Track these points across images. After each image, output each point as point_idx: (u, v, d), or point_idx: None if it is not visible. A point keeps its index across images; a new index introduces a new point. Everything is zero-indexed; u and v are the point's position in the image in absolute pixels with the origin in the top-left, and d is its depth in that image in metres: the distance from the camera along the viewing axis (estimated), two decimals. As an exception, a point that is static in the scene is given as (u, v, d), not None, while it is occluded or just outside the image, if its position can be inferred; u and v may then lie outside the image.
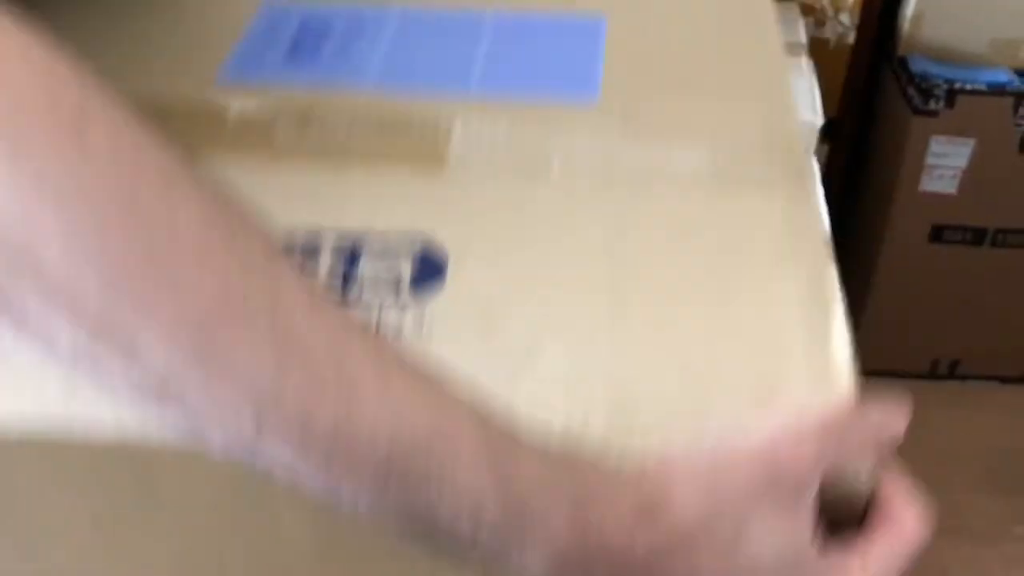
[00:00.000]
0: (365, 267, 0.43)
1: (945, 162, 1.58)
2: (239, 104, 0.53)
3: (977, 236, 1.64)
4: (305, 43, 0.59)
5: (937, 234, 1.65)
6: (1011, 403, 1.77)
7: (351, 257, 0.44)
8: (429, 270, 0.43)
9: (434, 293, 0.42)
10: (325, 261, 0.43)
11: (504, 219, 0.47)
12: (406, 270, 0.43)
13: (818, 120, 1.04)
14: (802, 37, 0.84)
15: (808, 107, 0.72)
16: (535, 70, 0.56)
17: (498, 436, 0.32)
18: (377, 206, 0.47)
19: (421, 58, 0.56)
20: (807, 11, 1.44)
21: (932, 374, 1.79)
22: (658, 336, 0.41)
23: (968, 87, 1.52)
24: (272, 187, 0.46)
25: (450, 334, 0.41)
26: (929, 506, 0.42)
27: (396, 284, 0.43)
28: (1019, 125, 1.54)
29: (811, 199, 0.47)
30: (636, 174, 0.49)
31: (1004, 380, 1.81)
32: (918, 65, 1.56)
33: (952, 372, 1.79)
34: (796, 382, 0.39)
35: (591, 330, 0.41)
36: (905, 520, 0.39)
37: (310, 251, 0.44)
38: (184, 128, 0.50)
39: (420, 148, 0.51)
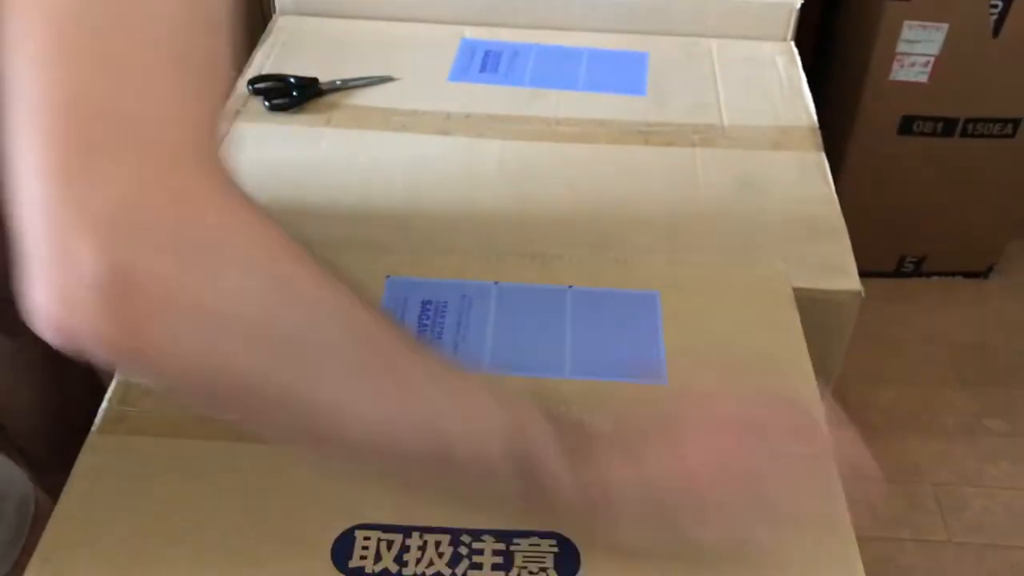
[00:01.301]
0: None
1: (917, 49, 1.50)
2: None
3: (948, 126, 1.57)
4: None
5: (906, 125, 1.58)
6: (976, 298, 1.75)
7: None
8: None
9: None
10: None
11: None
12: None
13: (796, 1, 0.98)
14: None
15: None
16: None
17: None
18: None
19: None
20: None
21: (898, 271, 1.75)
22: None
23: (943, -32, 1.43)
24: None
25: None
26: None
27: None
28: (994, 8, 1.45)
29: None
30: None
31: (968, 275, 1.78)
32: (891, -56, 1.46)
33: (918, 269, 1.75)
34: None
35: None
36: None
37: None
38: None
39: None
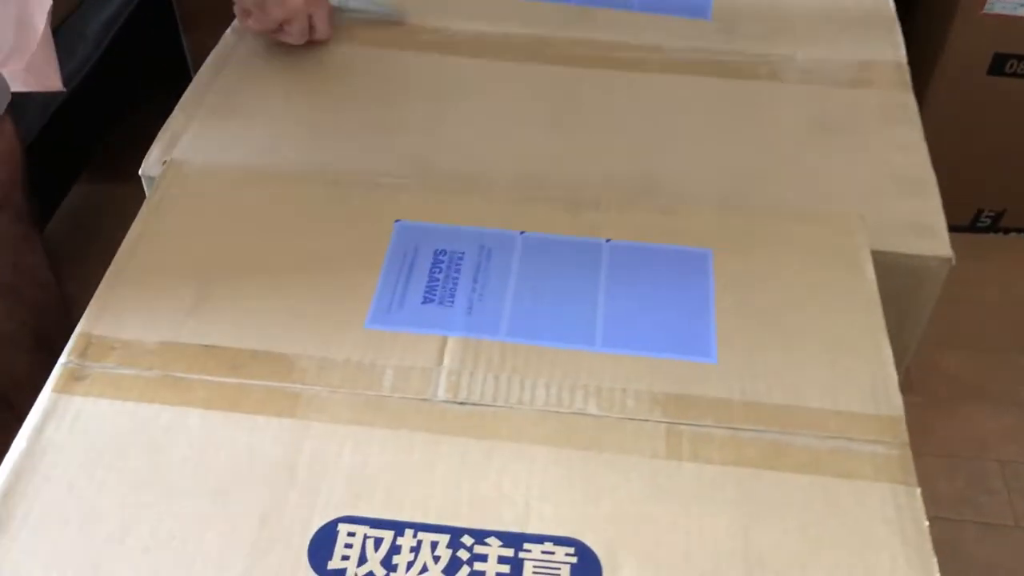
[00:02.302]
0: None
1: (1016, -22, 1.34)
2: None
3: (1044, 68, 1.41)
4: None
5: (998, 64, 1.43)
6: (1057, 257, 1.60)
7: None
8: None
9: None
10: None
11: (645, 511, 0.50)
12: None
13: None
14: None
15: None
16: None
17: None
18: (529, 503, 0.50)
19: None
20: None
21: (974, 226, 1.60)
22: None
23: None
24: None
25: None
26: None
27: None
28: (1109, -68, 1.28)
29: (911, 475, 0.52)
30: (762, 458, 0.52)
31: (1051, 231, 1.63)
32: None
33: (995, 224, 1.61)
34: None
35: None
36: None
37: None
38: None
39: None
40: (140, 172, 0.71)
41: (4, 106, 0.82)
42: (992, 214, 1.60)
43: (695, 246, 0.63)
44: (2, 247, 0.89)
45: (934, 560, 0.48)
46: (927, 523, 0.50)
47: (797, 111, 0.78)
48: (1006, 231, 1.63)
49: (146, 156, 0.72)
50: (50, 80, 0.90)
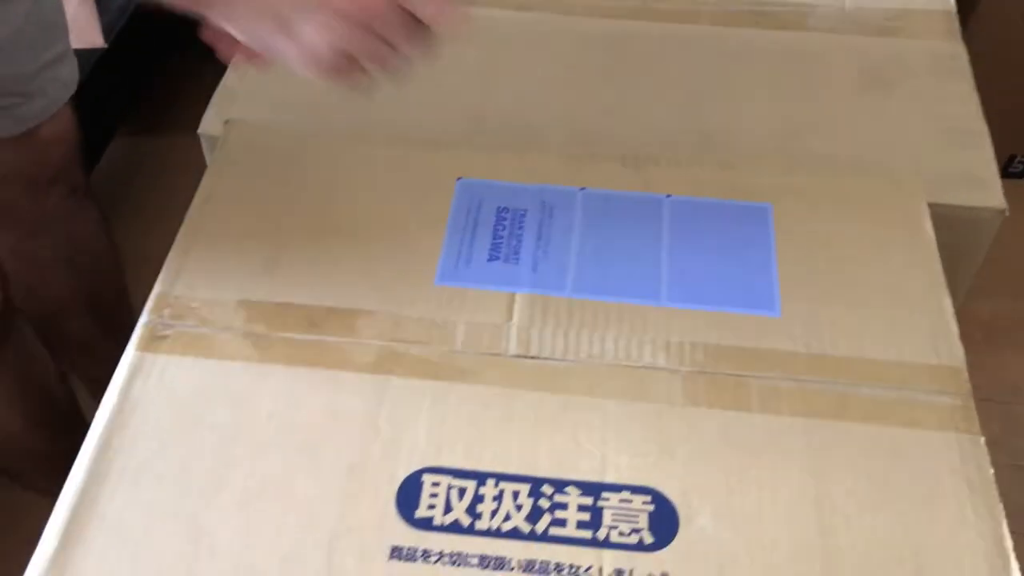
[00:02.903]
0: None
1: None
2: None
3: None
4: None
5: (1034, 9, 1.41)
6: (1090, 202, 1.59)
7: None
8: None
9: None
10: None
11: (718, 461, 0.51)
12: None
13: None
14: None
15: None
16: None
17: None
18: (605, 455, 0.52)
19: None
20: None
21: (1006, 172, 1.60)
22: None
23: None
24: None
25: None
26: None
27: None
28: None
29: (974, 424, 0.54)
30: (828, 409, 0.54)
31: (1084, 177, 1.62)
32: None
33: (1028, 169, 1.60)
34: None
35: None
36: None
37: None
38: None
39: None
40: (199, 131, 0.72)
41: (72, 91, 0.83)
42: (1024, 160, 1.60)
43: (755, 201, 0.64)
44: (56, 220, 0.91)
45: (1000, 507, 0.49)
46: (992, 471, 0.51)
47: (847, 62, 0.78)
48: (1038, 177, 1.62)
49: (204, 115, 0.73)
50: (92, 36, 0.91)
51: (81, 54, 1.15)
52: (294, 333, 0.56)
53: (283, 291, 0.58)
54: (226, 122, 0.69)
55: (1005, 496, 0.54)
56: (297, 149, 0.67)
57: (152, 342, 0.56)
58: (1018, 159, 1.60)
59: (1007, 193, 0.70)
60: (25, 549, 0.49)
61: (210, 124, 0.72)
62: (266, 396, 0.54)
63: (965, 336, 0.59)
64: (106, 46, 0.90)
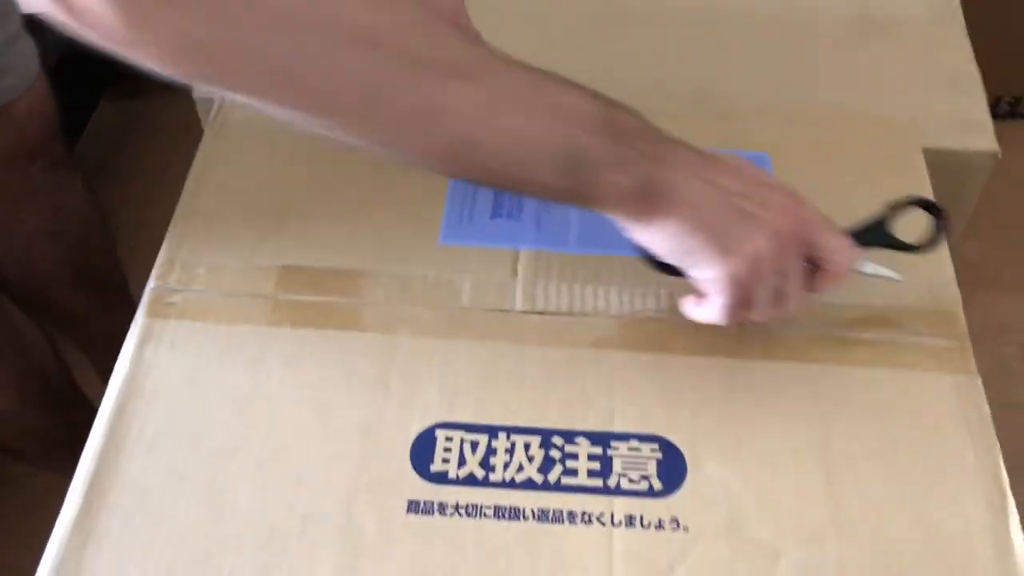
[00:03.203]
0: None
1: None
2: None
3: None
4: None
5: (1021, -51, 1.40)
6: (1076, 141, 1.60)
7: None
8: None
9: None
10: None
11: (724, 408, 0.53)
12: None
13: None
14: None
15: None
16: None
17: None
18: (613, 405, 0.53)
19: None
20: None
21: (992, 113, 1.60)
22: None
23: None
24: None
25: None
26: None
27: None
28: None
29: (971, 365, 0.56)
30: (829, 355, 0.56)
31: (1070, 116, 1.63)
32: None
33: (1014, 111, 1.61)
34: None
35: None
36: None
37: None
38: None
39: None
40: (195, 95, 0.72)
41: (35, 72, 0.82)
42: (1011, 100, 1.60)
43: (753, 150, 0.64)
44: (39, 194, 0.90)
45: (997, 446, 0.51)
46: (988, 410, 0.53)
47: (841, 10, 0.78)
48: (1024, 117, 1.63)
49: (199, 79, 0.72)
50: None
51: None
52: (301, 295, 0.57)
53: (288, 254, 0.59)
54: (222, 85, 0.69)
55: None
56: (295, 111, 0.67)
57: (161, 308, 0.57)
58: (1004, 100, 1.60)
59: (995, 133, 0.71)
60: (33, 528, 0.49)
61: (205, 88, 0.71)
62: (277, 358, 0.54)
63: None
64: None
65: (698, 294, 0.52)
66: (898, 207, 0.54)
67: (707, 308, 0.50)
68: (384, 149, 0.45)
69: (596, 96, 0.46)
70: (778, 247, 0.48)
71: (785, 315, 0.51)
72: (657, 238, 0.48)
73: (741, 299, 0.49)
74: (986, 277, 1.42)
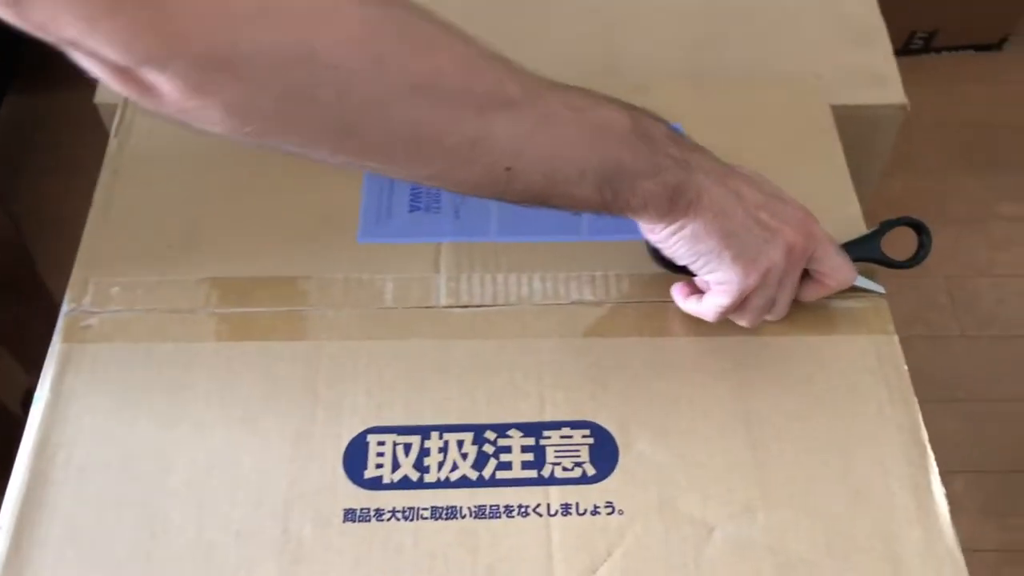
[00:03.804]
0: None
1: None
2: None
3: None
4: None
5: None
6: (987, 73, 1.64)
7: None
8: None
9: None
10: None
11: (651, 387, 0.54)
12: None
13: None
14: None
15: None
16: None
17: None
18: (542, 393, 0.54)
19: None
20: None
21: (906, 48, 1.63)
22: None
23: None
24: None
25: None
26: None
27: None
28: None
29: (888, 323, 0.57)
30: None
31: (980, 48, 1.66)
32: None
33: (927, 45, 1.63)
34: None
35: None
36: None
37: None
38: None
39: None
40: (95, 100, 0.69)
41: None
42: (924, 35, 1.63)
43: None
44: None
45: (915, 402, 0.53)
46: (906, 367, 0.54)
47: (746, -32, 0.78)
48: (938, 51, 1.66)
49: (99, 84, 0.70)
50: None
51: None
52: (221, 308, 0.56)
53: (204, 266, 0.58)
54: (122, 91, 0.67)
55: (921, 368, 0.57)
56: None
57: (77, 332, 0.55)
58: (918, 35, 1.63)
59: (908, 69, 0.72)
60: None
61: (106, 92, 0.69)
62: (201, 374, 0.54)
63: (877, 214, 0.62)
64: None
65: (691, 286, 0.53)
66: (888, 225, 0.58)
67: (702, 304, 0.53)
68: (428, 182, 0.46)
69: (624, 106, 0.47)
70: (788, 262, 0.51)
71: (771, 319, 0.54)
72: (677, 239, 0.49)
73: (740, 304, 0.51)
74: (910, 212, 1.46)
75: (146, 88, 0.36)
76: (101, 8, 0.33)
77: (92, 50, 0.34)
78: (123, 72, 0.36)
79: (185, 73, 0.35)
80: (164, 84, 0.36)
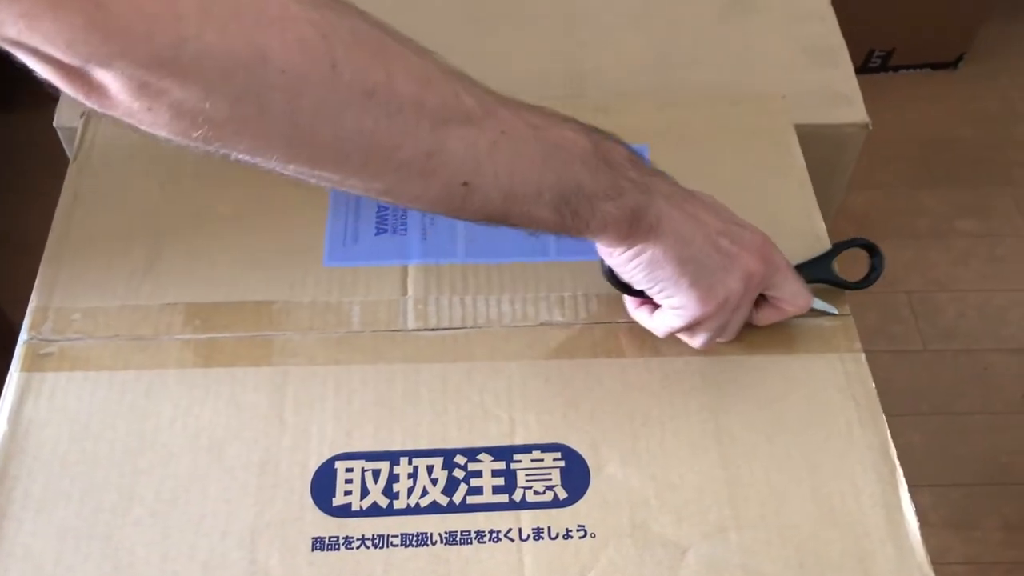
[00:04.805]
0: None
1: None
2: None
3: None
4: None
5: (881, -94, 1.44)
6: (943, 91, 1.67)
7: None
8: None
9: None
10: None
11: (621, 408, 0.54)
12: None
13: None
14: None
15: None
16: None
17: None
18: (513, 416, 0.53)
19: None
20: None
21: (866, 67, 1.65)
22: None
23: None
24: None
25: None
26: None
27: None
28: None
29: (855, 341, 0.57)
30: (717, 345, 0.56)
31: (937, 66, 1.69)
32: None
33: (885, 64, 1.66)
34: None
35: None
36: None
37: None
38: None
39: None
40: (55, 124, 0.68)
41: None
42: (882, 53, 1.66)
43: (632, 143, 0.64)
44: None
45: (883, 419, 0.53)
46: (873, 385, 0.54)
47: (708, -10, 0.79)
48: (895, 69, 1.69)
49: (57, 107, 0.69)
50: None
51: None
52: (184, 334, 0.55)
53: (167, 291, 0.57)
54: (82, 114, 0.66)
55: (888, 381, 0.58)
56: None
57: (36, 360, 0.54)
58: (876, 53, 1.65)
59: (868, 87, 0.73)
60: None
61: (66, 115, 0.68)
62: (165, 402, 0.53)
63: (839, 231, 0.62)
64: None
65: (649, 303, 0.53)
66: (841, 246, 0.58)
67: (653, 320, 0.53)
68: (383, 197, 0.44)
69: (584, 128, 0.47)
70: (746, 289, 0.51)
71: (721, 341, 0.54)
72: (635, 264, 0.49)
73: (692, 327, 0.51)
74: (875, 227, 1.48)
75: (92, 88, 0.35)
76: (42, 5, 0.32)
77: (35, 48, 0.33)
78: (69, 72, 0.35)
79: (130, 73, 0.34)
80: (110, 84, 0.35)
